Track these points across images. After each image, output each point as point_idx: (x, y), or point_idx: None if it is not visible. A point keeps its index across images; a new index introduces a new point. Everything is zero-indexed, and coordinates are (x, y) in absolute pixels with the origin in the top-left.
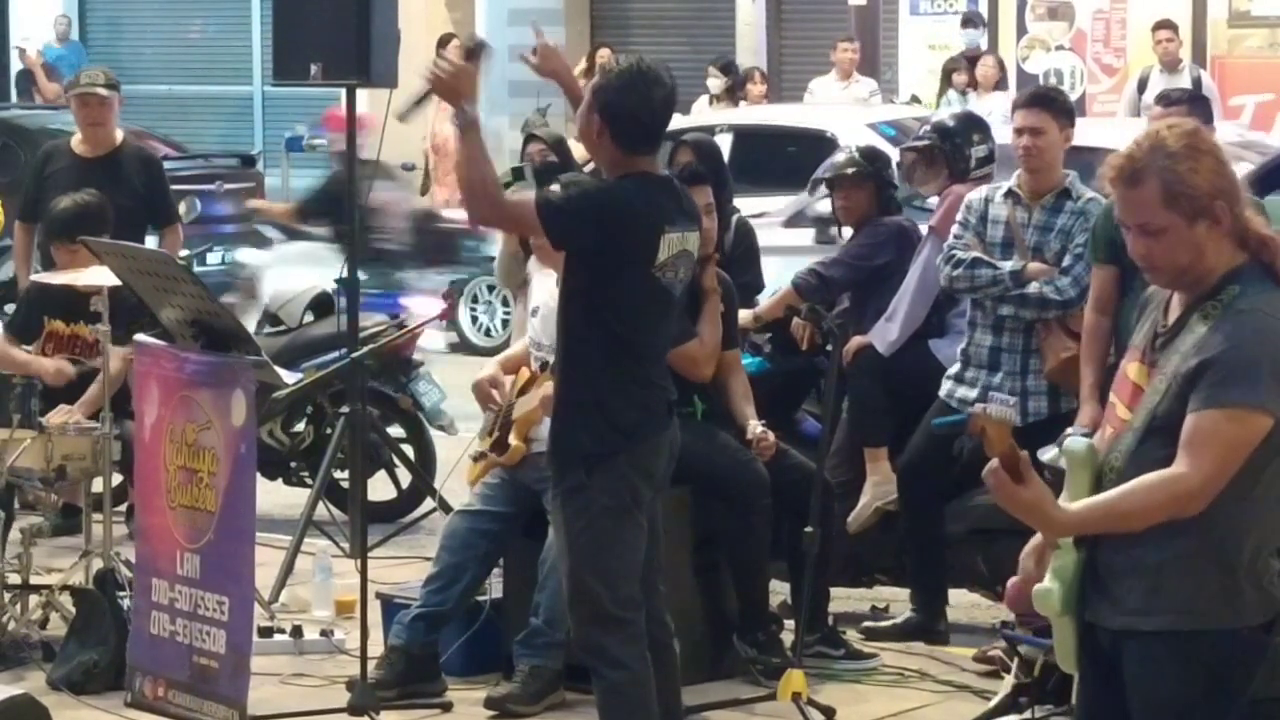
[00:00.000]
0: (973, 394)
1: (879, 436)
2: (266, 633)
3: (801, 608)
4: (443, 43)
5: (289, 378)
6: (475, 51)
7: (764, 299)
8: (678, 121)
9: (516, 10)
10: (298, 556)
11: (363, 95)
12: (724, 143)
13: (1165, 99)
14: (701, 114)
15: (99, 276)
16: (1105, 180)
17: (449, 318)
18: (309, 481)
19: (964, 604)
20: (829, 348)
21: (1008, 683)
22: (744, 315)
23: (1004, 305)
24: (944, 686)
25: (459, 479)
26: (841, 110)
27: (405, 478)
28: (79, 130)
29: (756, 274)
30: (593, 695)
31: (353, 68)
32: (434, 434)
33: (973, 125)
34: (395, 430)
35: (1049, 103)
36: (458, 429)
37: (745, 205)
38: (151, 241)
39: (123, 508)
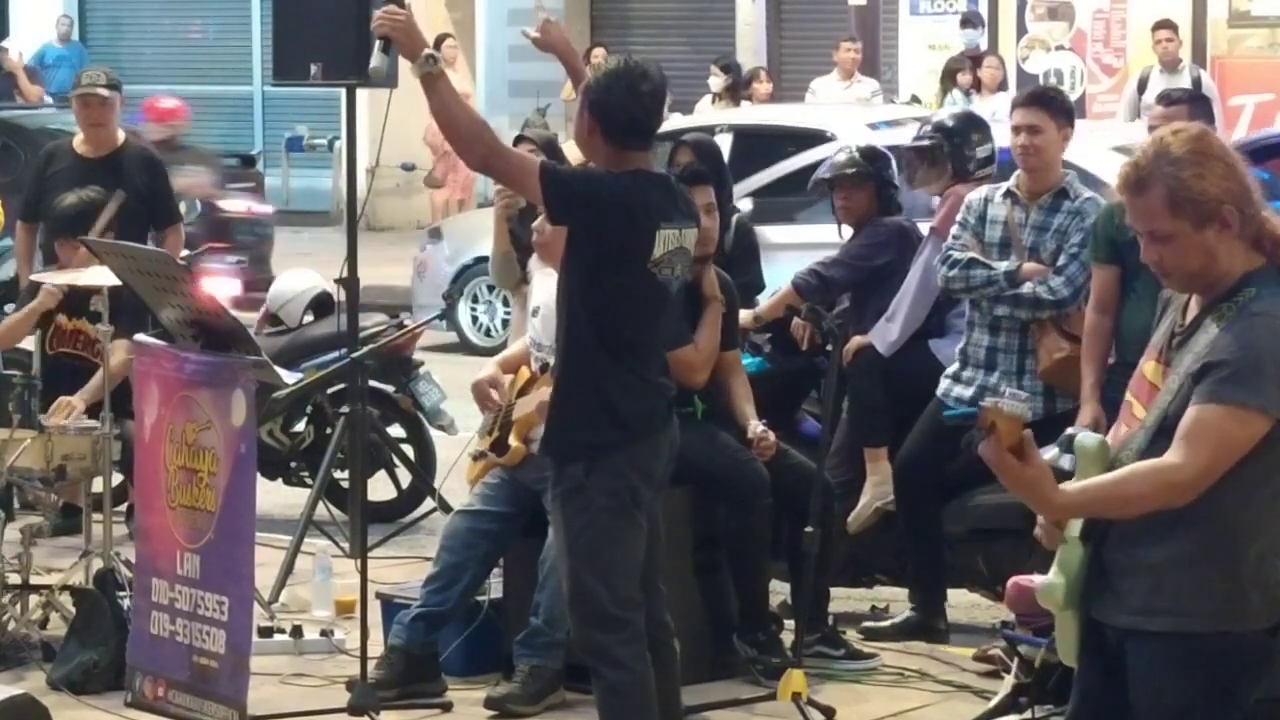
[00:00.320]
0: (969, 393)
1: (879, 436)
2: (266, 633)
3: (801, 608)
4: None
5: (289, 378)
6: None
7: (764, 299)
8: (678, 121)
9: (516, 10)
10: (298, 556)
11: (363, 95)
12: (724, 143)
13: (1166, 99)
14: (704, 113)
15: (100, 276)
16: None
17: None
18: (309, 481)
19: (964, 604)
20: (829, 348)
21: (1008, 683)
22: (744, 315)
23: (999, 305)
24: (944, 686)
25: (459, 479)
26: (842, 110)
27: (405, 478)
28: (81, 131)
29: (756, 274)
30: (593, 695)
31: (353, 68)
32: (434, 434)
33: (973, 125)
34: (395, 430)
35: (1047, 102)
36: (458, 429)
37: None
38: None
39: (123, 508)
